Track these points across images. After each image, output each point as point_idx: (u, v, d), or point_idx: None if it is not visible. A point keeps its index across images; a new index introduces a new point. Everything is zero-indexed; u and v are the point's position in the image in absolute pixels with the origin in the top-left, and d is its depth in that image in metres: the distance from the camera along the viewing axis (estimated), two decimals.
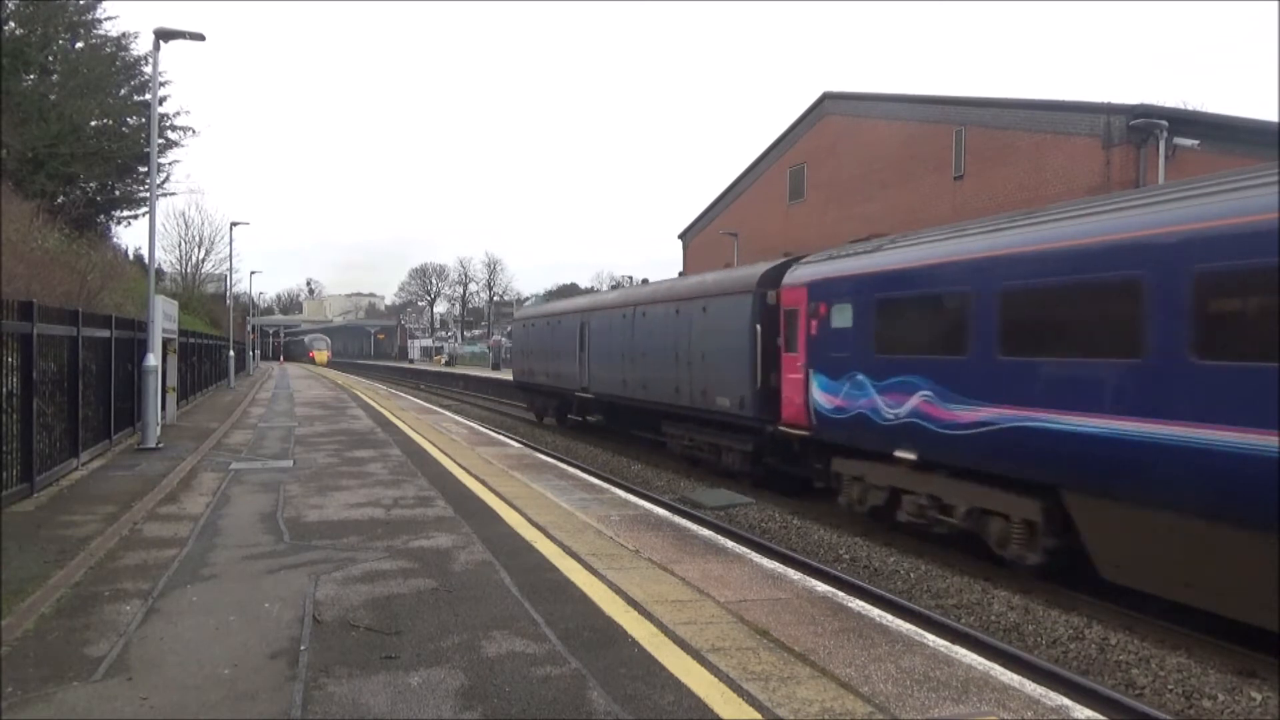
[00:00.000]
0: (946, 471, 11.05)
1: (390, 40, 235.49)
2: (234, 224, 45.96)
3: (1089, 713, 4.52)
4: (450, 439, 17.56)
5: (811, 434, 13.81)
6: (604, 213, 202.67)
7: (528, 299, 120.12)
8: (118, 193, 37.10)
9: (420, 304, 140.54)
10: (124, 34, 35.47)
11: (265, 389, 37.66)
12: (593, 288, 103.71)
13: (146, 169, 31.00)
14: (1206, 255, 7.67)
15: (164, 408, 17.73)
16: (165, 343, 18.31)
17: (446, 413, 26.91)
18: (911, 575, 10.84)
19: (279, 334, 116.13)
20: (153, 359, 15.84)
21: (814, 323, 13.68)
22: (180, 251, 60.46)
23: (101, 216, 36.91)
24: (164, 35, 16.17)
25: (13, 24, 29.31)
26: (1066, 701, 4.67)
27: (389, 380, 62.92)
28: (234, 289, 54.15)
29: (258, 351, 77.33)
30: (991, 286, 10.11)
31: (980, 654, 5.66)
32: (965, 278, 10.62)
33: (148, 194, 22.44)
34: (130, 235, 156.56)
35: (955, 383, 10.57)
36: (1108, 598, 9.38)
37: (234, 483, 11.56)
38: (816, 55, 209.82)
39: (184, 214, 68.72)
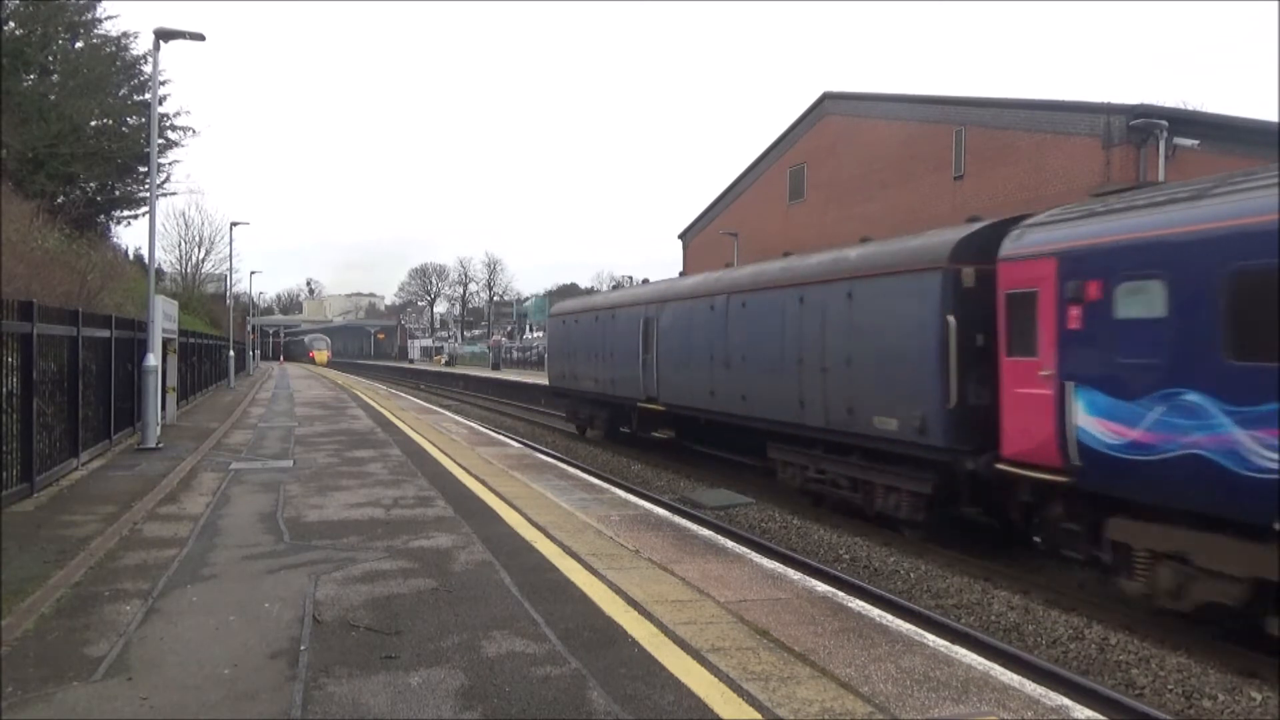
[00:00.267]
0: None
1: (390, 40, 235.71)
2: (234, 224, 46.00)
3: (1089, 713, 4.52)
4: (450, 439, 17.56)
5: (1072, 480, 9.28)
6: (604, 213, 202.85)
7: (527, 299, 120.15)
8: (118, 193, 37.06)
9: (420, 304, 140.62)
10: (124, 34, 35.44)
11: (265, 389, 37.66)
12: (592, 288, 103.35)
13: (146, 169, 30.95)
14: None
15: (164, 408, 17.73)
16: (165, 343, 18.31)
17: (446, 413, 26.91)
18: (911, 575, 10.84)
19: (279, 334, 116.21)
20: (153, 359, 15.84)
21: (1076, 311, 9.33)
22: (180, 251, 60.53)
23: (101, 216, 36.89)
24: (164, 35, 16.17)
25: (13, 24, 29.29)
26: (1066, 701, 4.67)
27: (389, 380, 62.94)
28: (234, 289, 54.25)
29: (258, 351, 77.34)
30: None
31: (980, 654, 5.66)
32: None
33: (148, 194, 22.44)
34: (130, 235, 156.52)
35: None
36: (1108, 599, 9.38)
37: (234, 483, 11.56)
38: (816, 55, 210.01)
39: (184, 214, 68.56)
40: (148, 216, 19.80)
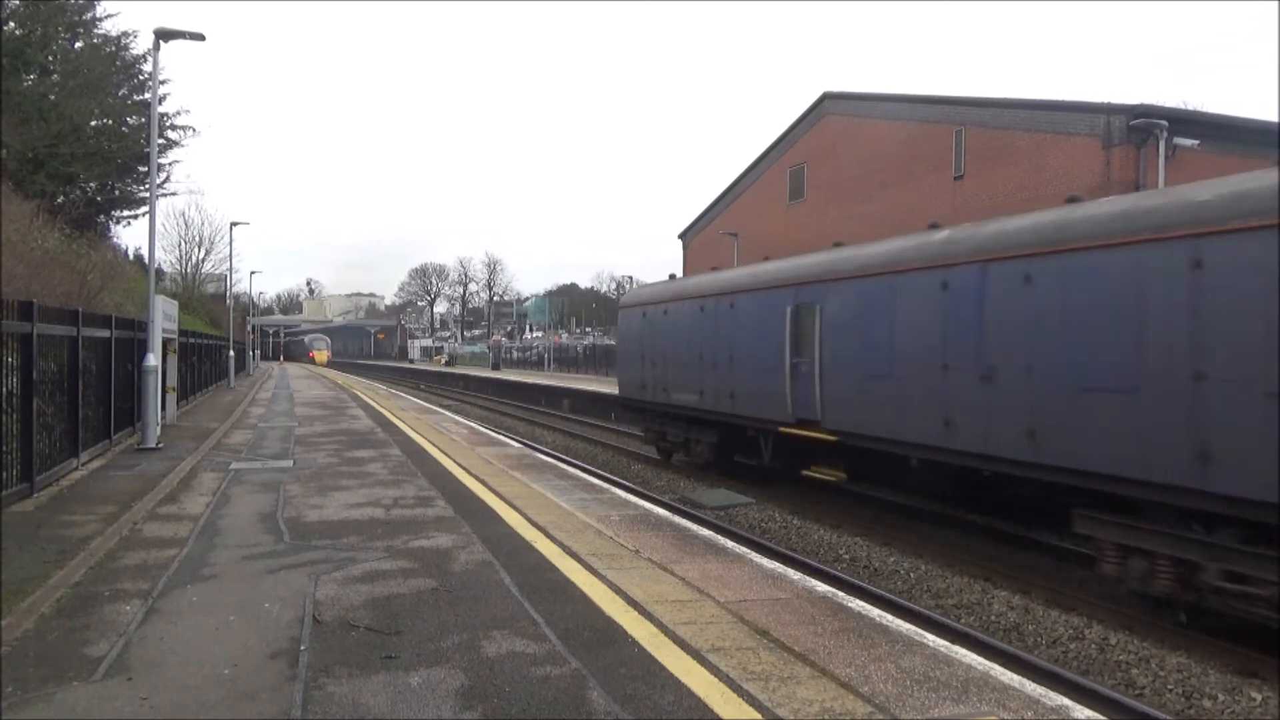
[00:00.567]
0: None
1: (390, 41, 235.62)
2: (234, 224, 46.04)
3: (1089, 713, 4.52)
4: (450, 439, 17.56)
5: None
6: (604, 213, 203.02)
7: (527, 299, 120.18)
8: (118, 193, 37.06)
9: (420, 304, 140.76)
10: (124, 34, 35.41)
11: (265, 389, 37.66)
12: (592, 288, 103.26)
13: (146, 169, 30.96)
14: None
15: (164, 408, 17.73)
16: (165, 343, 18.31)
17: (446, 413, 26.91)
18: (911, 575, 10.85)
19: (279, 334, 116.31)
20: (153, 359, 15.84)
21: None
22: (180, 251, 60.56)
23: (101, 216, 36.88)
24: (164, 35, 16.17)
25: (13, 24, 29.29)
26: (1066, 701, 4.66)
27: (389, 380, 62.95)
28: (234, 289, 54.23)
29: (258, 351, 77.36)
30: None
31: (980, 654, 5.66)
32: None
33: (148, 194, 22.43)
34: (130, 235, 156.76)
35: None
36: (1107, 598, 9.38)
37: (234, 483, 11.56)
38: (816, 55, 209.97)
39: (184, 214, 68.63)
40: (148, 216, 19.82)
